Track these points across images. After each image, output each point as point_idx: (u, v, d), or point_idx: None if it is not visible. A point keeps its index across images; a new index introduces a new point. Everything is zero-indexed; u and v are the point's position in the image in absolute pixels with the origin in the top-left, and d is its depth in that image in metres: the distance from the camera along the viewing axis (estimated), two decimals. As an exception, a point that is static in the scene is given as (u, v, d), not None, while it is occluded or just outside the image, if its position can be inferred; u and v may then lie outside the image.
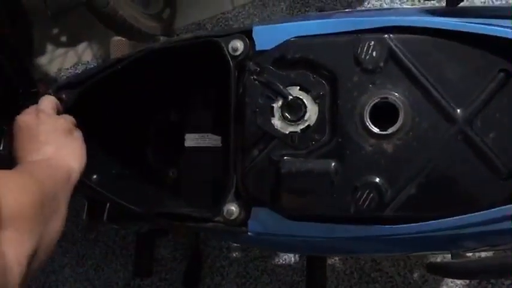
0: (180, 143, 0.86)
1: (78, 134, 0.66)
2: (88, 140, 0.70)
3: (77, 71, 1.48)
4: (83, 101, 0.72)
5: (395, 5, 1.35)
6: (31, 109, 0.65)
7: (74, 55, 1.50)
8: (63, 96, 0.70)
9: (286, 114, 0.63)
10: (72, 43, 1.50)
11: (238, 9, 1.45)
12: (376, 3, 1.36)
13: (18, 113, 0.64)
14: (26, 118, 0.63)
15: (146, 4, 1.37)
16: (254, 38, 0.65)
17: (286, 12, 1.46)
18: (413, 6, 1.16)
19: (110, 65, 0.71)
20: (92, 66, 1.48)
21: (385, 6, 1.36)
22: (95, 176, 0.73)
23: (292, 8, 1.43)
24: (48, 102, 0.67)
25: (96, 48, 1.50)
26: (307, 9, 1.43)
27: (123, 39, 1.11)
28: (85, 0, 1.13)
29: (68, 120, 0.66)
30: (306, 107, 0.62)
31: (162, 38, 1.26)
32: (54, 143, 0.61)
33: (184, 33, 1.47)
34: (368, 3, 1.37)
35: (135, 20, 1.23)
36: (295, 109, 0.62)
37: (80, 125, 0.69)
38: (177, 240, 1.26)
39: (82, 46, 1.49)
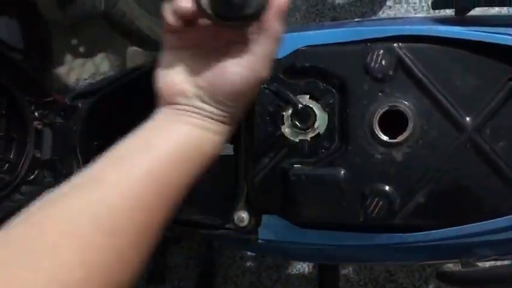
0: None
1: None
2: (103, 147, 0.72)
3: (95, 81, 1.51)
4: (98, 110, 0.74)
5: (410, 15, 1.35)
6: None
7: (92, 65, 1.53)
8: (79, 104, 0.72)
9: (296, 122, 0.63)
10: (90, 54, 1.53)
11: (253, 19, 1.46)
12: (390, 12, 1.37)
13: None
14: None
15: (161, 14, 1.39)
16: (265, 48, 0.66)
17: (301, 22, 1.47)
18: (423, 16, 1.16)
19: (124, 74, 0.73)
20: (109, 75, 1.51)
21: (399, 16, 1.37)
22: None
23: (306, 17, 1.44)
24: None
25: (114, 58, 1.53)
26: (321, 19, 1.44)
27: (139, 49, 1.14)
28: (102, 11, 1.15)
29: None
30: (315, 115, 0.63)
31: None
32: None
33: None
34: (382, 13, 1.38)
35: (151, 30, 1.26)
36: (305, 117, 0.63)
37: (95, 133, 0.70)
38: (189, 247, 1.27)
39: (100, 57, 1.53)
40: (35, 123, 0.71)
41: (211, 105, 0.43)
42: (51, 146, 0.72)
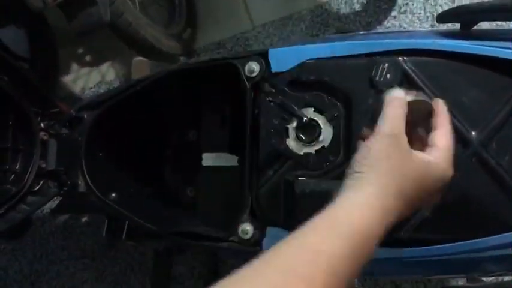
0: (197, 162, 0.87)
1: (443, 186, 0.46)
2: (107, 159, 0.72)
3: (100, 90, 1.52)
4: (103, 121, 0.74)
5: (416, 25, 1.35)
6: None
7: (98, 74, 1.54)
8: (85, 116, 0.72)
9: (301, 135, 0.63)
10: (96, 63, 1.54)
11: (258, 28, 1.47)
12: (395, 22, 1.37)
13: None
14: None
15: (168, 24, 1.40)
16: (270, 60, 0.66)
17: (306, 32, 1.47)
18: (428, 29, 1.16)
19: (129, 86, 0.73)
20: (115, 85, 1.52)
21: (404, 25, 1.37)
22: (113, 194, 0.75)
23: (311, 27, 1.44)
24: None
25: (119, 67, 1.53)
26: (326, 28, 1.44)
27: (144, 59, 1.14)
28: (108, 21, 1.16)
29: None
30: (320, 128, 0.63)
31: (182, 58, 1.29)
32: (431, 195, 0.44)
33: (204, 52, 1.50)
34: (387, 22, 1.37)
35: (156, 40, 1.26)
36: (309, 130, 0.63)
37: (100, 144, 0.71)
38: (195, 256, 1.27)
39: (105, 66, 1.54)
40: (41, 133, 0.71)
41: None
42: (56, 157, 0.72)
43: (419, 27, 1.29)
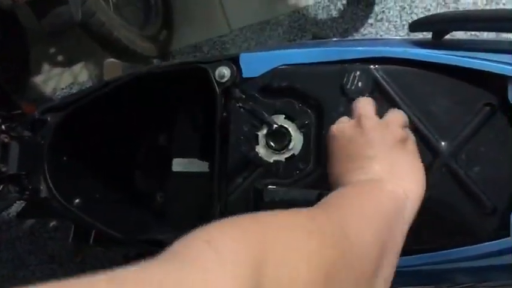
0: (168, 167, 0.85)
1: (412, 146, 0.49)
2: (72, 163, 0.70)
3: (73, 91, 1.48)
4: (68, 124, 0.72)
5: (392, 33, 1.36)
6: (346, 118, 0.51)
7: (70, 75, 1.50)
8: (49, 118, 0.70)
9: (271, 142, 0.62)
10: (68, 63, 1.51)
11: (236, 32, 1.46)
12: (372, 30, 1.37)
13: None
14: (342, 126, 0.49)
15: (143, 26, 1.38)
16: (241, 65, 0.65)
17: (284, 37, 1.46)
18: (401, 37, 1.16)
19: (97, 88, 0.71)
20: (87, 86, 1.49)
21: (381, 33, 1.37)
22: (77, 200, 0.72)
23: (289, 32, 1.44)
24: (368, 104, 0.50)
25: (93, 68, 1.50)
26: (304, 34, 1.44)
27: (117, 61, 1.12)
28: (80, 20, 1.13)
29: (399, 125, 0.49)
30: (290, 135, 0.62)
31: (155, 61, 1.27)
32: (386, 159, 0.45)
33: (180, 55, 1.48)
34: (364, 30, 1.38)
35: (131, 41, 1.24)
36: (280, 138, 0.62)
37: (65, 147, 0.68)
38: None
39: (78, 66, 1.50)
40: (2, 136, 0.68)
41: None
42: (18, 161, 0.69)
43: (395, 35, 1.30)
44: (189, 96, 0.84)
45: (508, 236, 0.52)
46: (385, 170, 0.45)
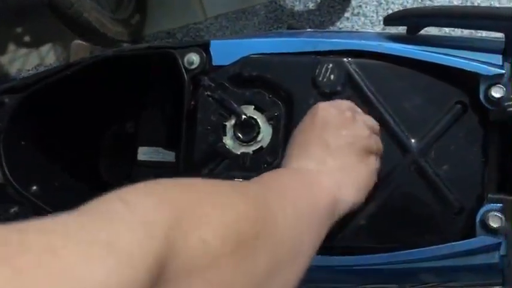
0: (134, 156, 0.82)
1: (374, 162, 0.50)
2: (31, 148, 0.66)
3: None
4: (28, 106, 0.68)
5: (367, 27, 1.35)
6: (339, 103, 0.51)
7: (37, 56, 1.45)
8: (6, 100, 0.66)
9: (239, 134, 0.60)
10: (35, 44, 1.45)
11: (211, 20, 1.43)
12: (348, 24, 1.36)
13: None
14: (331, 110, 0.48)
15: (114, 9, 1.33)
16: (211, 52, 0.63)
17: (259, 27, 1.44)
18: (376, 31, 1.16)
19: (58, 70, 0.67)
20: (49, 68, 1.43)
21: (356, 27, 1.37)
22: (34, 187, 0.69)
23: (265, 23, 1.42)
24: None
25: (60, 50, 1.45)
26: (280, 25, 1.42)
27: (84, 43, 1.08)
28: (47, 0, 1.09)
29: (375, 138, 0.51)
30: (259, 127, 0.60)
31: (125, 45, 1.23)
32: (343, 159, 0.46)
33: (153, 40, 1.44)
34: (340, 23, 1.37)
35: (101, 24, 1.20)
36: (248, 129, 0.60)
37: (23, 132, 0.65)
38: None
39: (46, 48, 1.45)
40: (-45, 118, 0.64)
41: None
42: (-28, 144, 0.65)
43: (371, 30, 1.29)
44: (157, 83, 0.81)
45: (475, 236, 0.52)
46: (336, 169, 0.45)
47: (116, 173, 0.84)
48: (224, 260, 0.29)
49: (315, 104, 0.58)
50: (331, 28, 1.35)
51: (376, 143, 0.50)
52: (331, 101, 0.51)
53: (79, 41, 1.01)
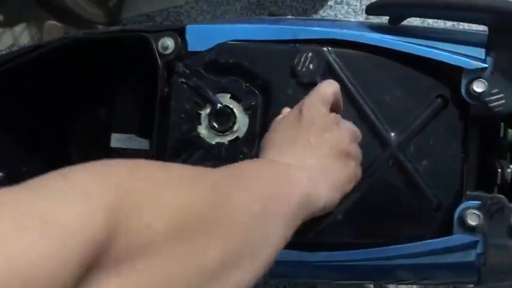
0: (107, 142, 0.79)
1: (353, 166, 0.49)
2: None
3: (12, 53, 1.38)
4: (-7, 90, 0.65)
5: (350, 16, 1.33)
6: (324, 95, 0.48)
7: (10, 36, 1.40)
8: (-31, 82, 0.63)
9: (214, 123, 0.58)
10: (8, 24, 1.40)
11: (191, 4, 1.39)
12: (331, 12, 1.34)
13: None
14: (317, 110, 0.47)
15: (91, -10, 1.29)
16: (187, 38, 0.60)
17: (241, 12, 1.41)
18: (359, 20, 1.14)
19: (25, 51, 0.64)
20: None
21: (340, 16, 1.35)
22: (0, 174, 0.66)
23: (247, 9, 1.39)
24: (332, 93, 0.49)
25: (35, 30, 1.40)
26: (262, 11, 1.39)
27: (58, 24, 1.03)
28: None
29: (354, 146, 0.49)
30: (235, 117, 0.58)
31: (101, 27, 1.19)
32: (323, 160, 0.45)
33: (132, 24, 1.40)
34: (323, 12, 1.35)
35: (77, 5, 1.16)
36: (223, 118, 0.58)
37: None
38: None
39: (20, 27, 1.40)
40: None
41: None
42: None
43: (353, 20, 1.28)
44: (132, 67, 0.78)
45: (452, 233, 0.51)
46: (315, 168, 0.44)
47: (88, 160, 0.81)
48: (168, 247, 0.27)
49: (293, 94, 0.56)
50: (314, 16, 1.33)
51: (355, 149, 0.50)
52: (316, 94, 0.49)
53: (53, 22, 0.96)
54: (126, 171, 0.29)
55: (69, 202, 0.23)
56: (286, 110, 0.53)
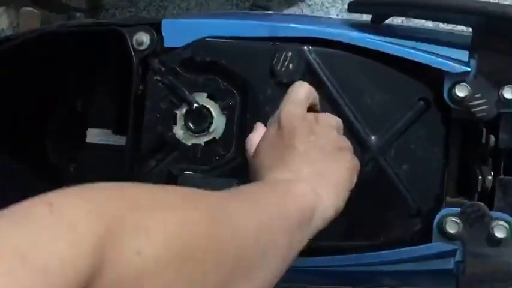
0: (83, 137, 0.77)
1: (349, 157, 0.46)
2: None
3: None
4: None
5: (337, 5, 1.31)
6: (298, 100, 0.46)
7: (-13, 21, 1.35)
8: None
9: (190, 123, 0.56)
10: (-15, 7, 1.35)
11: (176, -11, 1.36)
12: (318, 1, 1.32)
13: None
14: (294, 116, 0.45)
15: (71, -27, 1.24)
16: (163, 33, 0.58)
17: (226, 1, 1.38)
18: (340, 18, 1.12)
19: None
20: (7, 34, 1.34)
21: (326, 5, 1.32)
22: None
23: (228, 1, 1.36)
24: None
25: (14, 15, 1.36)
26: (248, 2, 1.36)
27: (35, 11, 1.00)
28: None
29: (342, 137, 0.47)
30: (212, 117, 0.56)
31: (79, 14, 1.15)
32: (318, 164, 0.43)
33: (114, 9, 1.37)
34: (310, 0, 1.32)
35: (56, -10, 1.12)
36: (200, 119, 0.56)
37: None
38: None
39: (-3, 11, 1.35)
40: None
41: None
42: None
43: (335, 17, 1.25)
44: (109, 60, 0.75)
45: (431, 239, 0.50)
46: (313, 175, 0.42)
47: (64, 155, 0.79)
48: (164, 274, 0.26)
49: (272, 94, 0.54)
50: (300, 4, 1.30)
51: (344, 140, 0.48)
52: (289, 101, 0.47)
53: (29, 8, 0.93)
54: (116, 197, 0.28)
55: (53, 237, 0.22)
56: (258, 125, 0.50)
